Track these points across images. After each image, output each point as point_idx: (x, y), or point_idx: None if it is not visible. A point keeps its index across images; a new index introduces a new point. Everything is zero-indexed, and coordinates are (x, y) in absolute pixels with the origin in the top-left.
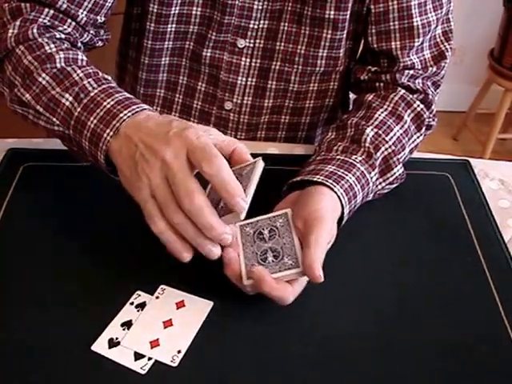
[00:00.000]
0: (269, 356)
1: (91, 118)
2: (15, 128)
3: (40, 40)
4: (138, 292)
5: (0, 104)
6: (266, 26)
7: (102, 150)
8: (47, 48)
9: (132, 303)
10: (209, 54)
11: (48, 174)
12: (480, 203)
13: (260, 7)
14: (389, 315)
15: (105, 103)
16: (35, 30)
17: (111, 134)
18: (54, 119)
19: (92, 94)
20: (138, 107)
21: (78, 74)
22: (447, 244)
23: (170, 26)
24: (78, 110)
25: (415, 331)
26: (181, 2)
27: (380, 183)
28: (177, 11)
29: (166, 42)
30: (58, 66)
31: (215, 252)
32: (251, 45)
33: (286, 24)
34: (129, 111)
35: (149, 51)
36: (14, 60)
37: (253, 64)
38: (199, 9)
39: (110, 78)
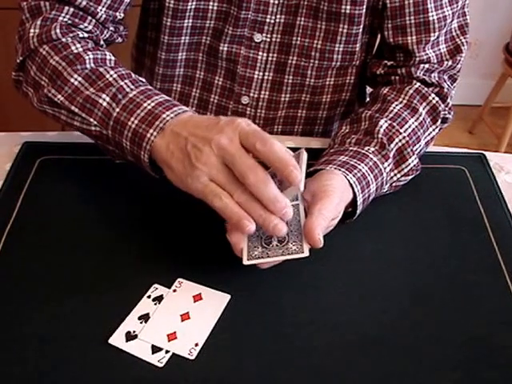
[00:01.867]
0: (287, 349)
1: (131, 119)
2: (30, 121)
3: (64, 40)
4: (155, 285)
5: (15, 98)
6: (282, 20)
7: (145, 150)
8: (73, 48)
9: (149, 296)
10: (226, 49)
11: (64, 167)
12: (495, 196)
13: (276, 2)
14: (403, 308)
15: (145, 104)
16: (58, 30)
17: (155, 133)
18: (91, 119)
19: (130, 95)
20: (179, 109)
21: (111, 75)
22: (462, 237)
23: (186, 21)
24: (117, 110)
25: (430, 324)
26: None
27: (395, 174)
28: (193, 6)
29: (183, 37)
30: (88, 66)
31: (281, 226)
32: (268, 39)
33: (303, 18)
34: (171, 112)
35: (166, 46)
36: (38, 60)
37: (270, 58)
38: (216, 4)
39: (144, 80)
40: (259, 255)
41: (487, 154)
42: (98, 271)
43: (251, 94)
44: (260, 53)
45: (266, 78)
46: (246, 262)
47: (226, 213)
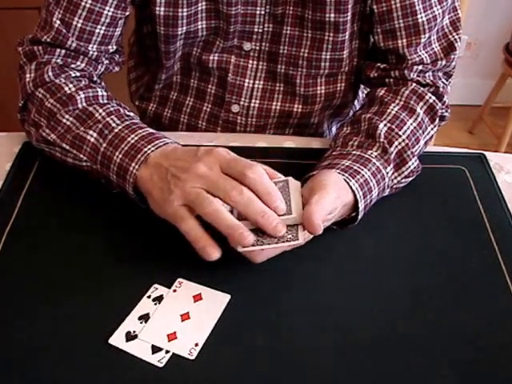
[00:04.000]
0: (286, 349)
1: (117, 153)
2: None
3: (58, 81)
4: (155, 285)
5: (15, 98)
6: (270, 29)
7: (129, 183)
8: (66, 89)
9: (149, 296)
10: (216, 58)
11: (64, 167)
12: (495, 196)
13: (262, 12)
14: (404, 308)
15: (129, 138)
16: (50, 73)
17: (136, 167)
18: (81, 155)
19: (116, 130)
20: (161, 142)
21: (100, 113)
22: (463, 237)
23: (178, 43)
24: (104, 145)
25: (430, 324)
26: (187, 22)
27: (396, 177)
28: (184, 30)
29: (177, 54)
30: (80, 106)
31: (280, 227)
32: (257, 47)
33: (289, 28)
34: (152, 146)
35: (165, 69)
36: (36, 103)
37: (260, 67)
38: (204, 22)
39: (132, 113)
40: (254, 243)
41: (487, 154)
42: (99, 271)
43: (241, 103)
44: (250, 61)
45: (256, 86)
46: (240, 249)
47: (191, 237)
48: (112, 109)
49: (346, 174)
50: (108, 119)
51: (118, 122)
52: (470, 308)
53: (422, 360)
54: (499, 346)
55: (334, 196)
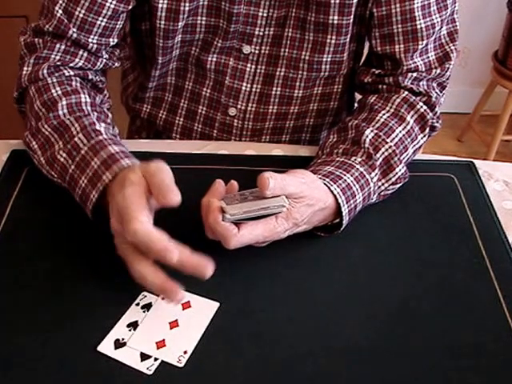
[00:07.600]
0: (275, 356)
1: (82, 178)
2: (19, 129)
3: (49, 80)
4: (144, 293)
5: (4, 105)
6: (271, 32)
7: (88, 209)
8: (53, 91)
9: (138, 304)
10: (214, 60)
11: None
12: (484, 204)
13: (265, 14)
14: (391, 317)
15: (92, 163)
16: (46, 70)
17: (96, 196)
18: (53, 172)
19: (82, 152)
20: (118, 167)
21: (75, 128)
22: (452, 245)
23: (177, 37)
24: (72, 167)
25: (418, 333)
26: (187, 16)
27: (383, 184)
28: (183, 23)
29: (174, 51)
30: (61, 113)
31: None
32: (256, 51)
33: (291, 30)
34: (109, 173)
35: (159, 65)
36: (28, 100)
37: (258, 70)
38: (204, 18)
39: (103, 127)
40: (241, 213)
41: (476, 161)
42: (87, 279)
43: (238, 106)
44: (248, 64)
45: (253, 90)
46: (228, 217)
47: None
48: (87, 122)
49: (328, 179)
50: (76, 139)
51: (85, 141)
52: (458, 317)
53: (409, 369)
54: (487, 355)
55: (300, 181)
